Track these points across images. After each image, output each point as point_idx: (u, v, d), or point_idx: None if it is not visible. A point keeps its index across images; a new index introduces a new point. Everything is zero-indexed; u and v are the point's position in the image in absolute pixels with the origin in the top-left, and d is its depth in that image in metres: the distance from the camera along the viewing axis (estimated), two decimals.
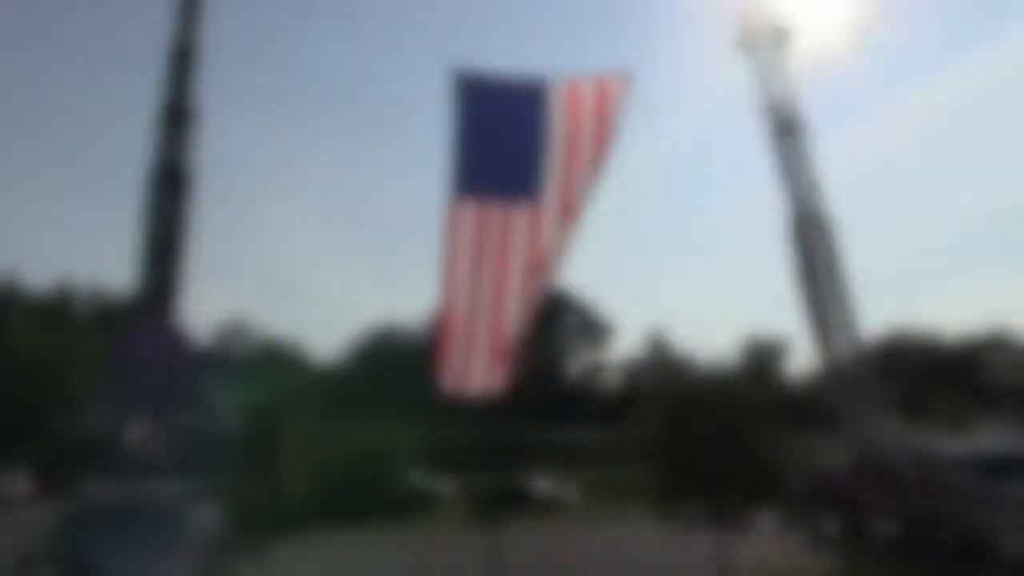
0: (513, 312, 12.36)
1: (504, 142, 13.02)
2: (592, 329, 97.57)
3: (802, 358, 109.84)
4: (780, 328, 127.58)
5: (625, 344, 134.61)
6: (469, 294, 12.24)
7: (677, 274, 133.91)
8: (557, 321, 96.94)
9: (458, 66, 13.07)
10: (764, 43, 28.58)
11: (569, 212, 12.82)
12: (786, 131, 28.28)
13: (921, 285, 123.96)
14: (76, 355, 50.22)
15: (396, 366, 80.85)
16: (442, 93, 12.64)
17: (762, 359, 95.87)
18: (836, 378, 27.81)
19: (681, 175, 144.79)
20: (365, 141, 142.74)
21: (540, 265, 12.60)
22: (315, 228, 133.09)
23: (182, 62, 23.89)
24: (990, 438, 25.68)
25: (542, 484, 45.08)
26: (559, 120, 13.22)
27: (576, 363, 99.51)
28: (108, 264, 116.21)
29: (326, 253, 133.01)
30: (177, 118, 23.93)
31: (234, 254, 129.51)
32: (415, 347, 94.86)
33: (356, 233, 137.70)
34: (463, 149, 12.71)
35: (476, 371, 12.47)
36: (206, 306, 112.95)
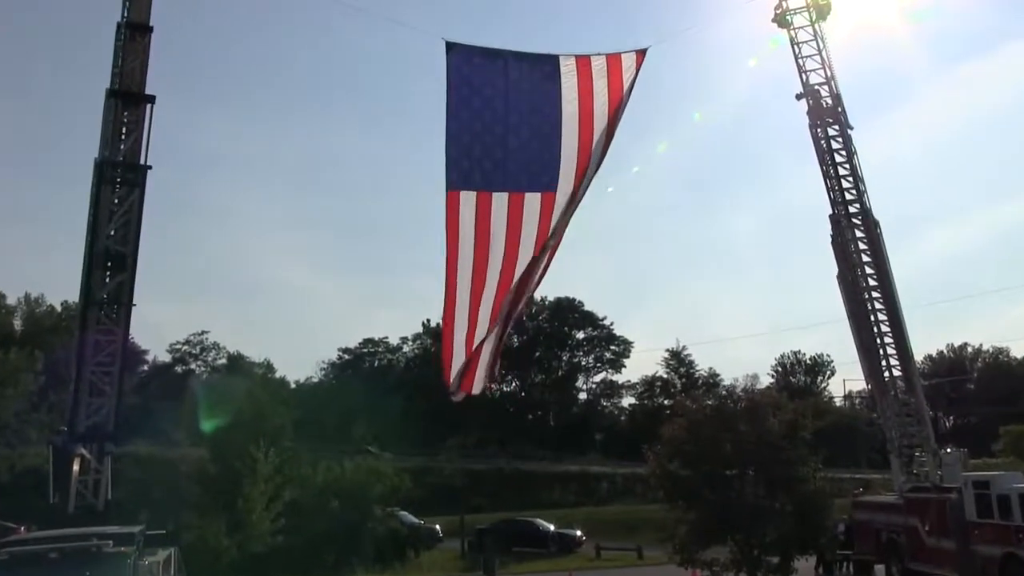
0: (511, 304, 13.21)
1: (507, 125, 13.31)
2: (608, 344, 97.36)
3: (845, 379, 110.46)
4: (818, 344, 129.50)
5: (643, 361, 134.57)
6: (470, 283, 12.75)
7: (701, 282, 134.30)
8: (569, 334, 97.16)
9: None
10: (803, 18, 28.32)
11: (575, 198, 13.57)
12: (828, 118, 27.99)
13: (981, 289, 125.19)
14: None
15: (379, 387, 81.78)
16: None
17: (797, 379, 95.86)
18: (889, 404, 27.47)
19: (705, 168, 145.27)
20: (352, 141, 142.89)
21: (542, 251, 13.34)
22: (290, 237, 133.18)
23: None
24: None
25: (548, 523, 44.51)
26: (569, 101, 13.64)
27: (590, 381, 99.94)
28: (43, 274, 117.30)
29: (302, 264, 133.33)
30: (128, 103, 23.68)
31: (201, 264, 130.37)
32: (400, 366, 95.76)
33: (335, 243, 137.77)
34: (460, 133, 13.04)
35: (479, 368, 13.38)
36: (167, 319, 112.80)
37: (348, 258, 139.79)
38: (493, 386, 14.04)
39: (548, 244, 13.51)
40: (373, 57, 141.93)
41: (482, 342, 13.24)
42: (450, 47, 13.21)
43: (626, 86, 14.08)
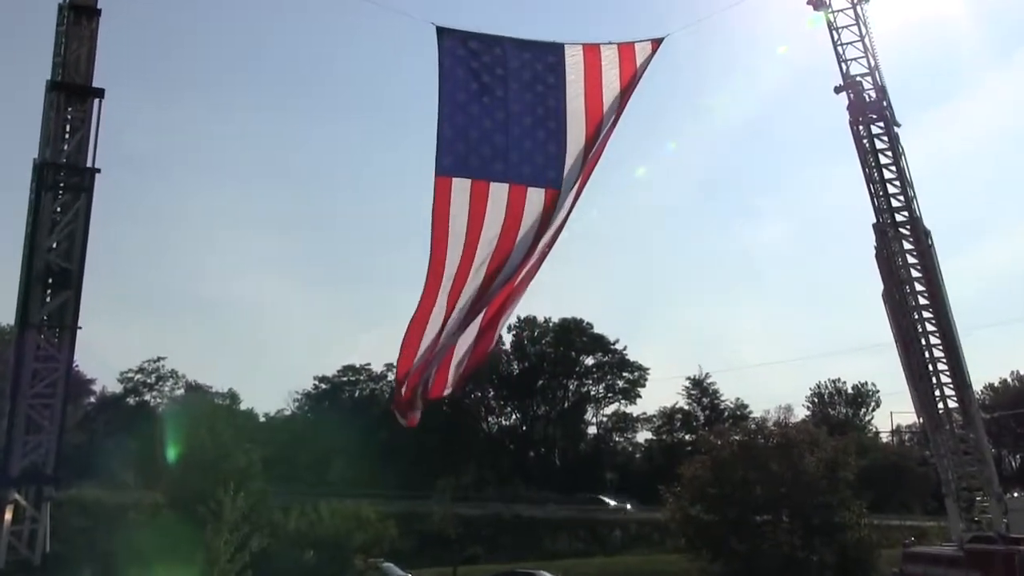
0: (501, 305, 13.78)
1: (508, 112, 13.77)
2: (620, 371, 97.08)
3: (893, 412, 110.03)
4: (861, 371, 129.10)
5: (661, 391, 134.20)
6: (454, 275, 13.18)
7: (726, 301, 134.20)
8: (576, 360, 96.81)
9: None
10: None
11: (576, 198, 14.25)
12: (872, 114, 27.88)
13: None
14: None
15: (361, 421, 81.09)
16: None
17: (837, 411, 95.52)
18: (944, 440, 27.17)
19: (728, 169, 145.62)
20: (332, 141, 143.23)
21: (538, 252, 13.92)
22: (258, 248, 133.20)
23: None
24: None
25: None
26: (576, 95, 14.06)
27: (600, 413, 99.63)
28: None
29: (271, 279, 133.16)
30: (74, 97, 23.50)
31: (157, 280, 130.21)
32: (385, 397, 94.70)
33: (309, 254, 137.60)
34: (454, 114, 13.52)
35: (451, 367, 13.84)
36: (117, 344, 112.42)
37: (325, 272, 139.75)
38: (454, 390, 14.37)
39: (543, 243, 13.98)
40: (353, 44, 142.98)
41: (455, 337, 13.51)
42: (442, 33, 13.52)
43: (639, 79, 14.56)
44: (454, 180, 13.28)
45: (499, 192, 13.48)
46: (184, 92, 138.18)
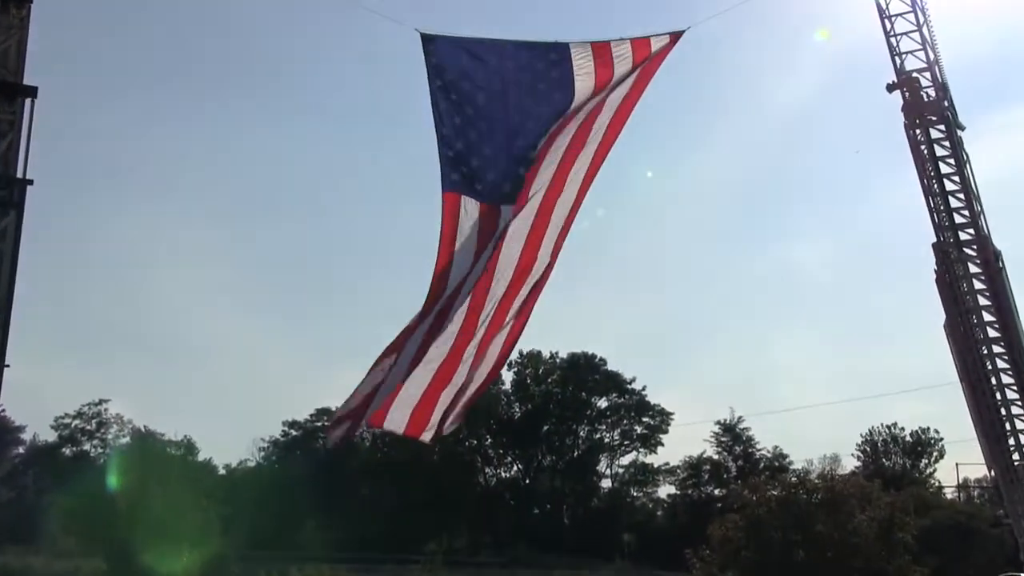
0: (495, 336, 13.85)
1: (508, 127, 14.02)
2: (639, 415, 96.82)
3: (959, 463, 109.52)
4: (920, 415, 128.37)
5: (686, 438, 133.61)
6: (466, 305, 13.18)
7: (759, 332, 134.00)
8: (588, 402, 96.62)
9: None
10: None
11: (576, 208, 14.54)
12: (931, 115, 27.89)
13: None
14: None
15: (338, 472, 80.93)
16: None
17: (892, 462, 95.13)
18: (1020, 497, 26.99)
19: (759, 180, 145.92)
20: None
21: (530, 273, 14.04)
22: (216, 272, 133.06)
23: None
24: None
25: None
26: (584, 100, 14.29)
27: (616, 464, 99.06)
28: None
29: (233, 309, 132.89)
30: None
31: (98, 311, 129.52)
32: (366, 446, 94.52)
33: (276, 279, 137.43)
34: (451, 134, 13.76)
35: (440, 407, 13.56)
36: (51, 385, 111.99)
37: (293, 299, 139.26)
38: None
39: (542, 261, 14.19)
40: (322, 40, 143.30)
41: (462, 379, 13.63)
42: (428, 40, 13.75)
43: (653, 75, 14.97)
44: (464, 199, 13.65)
45: (505, 213, 13.73)
46: (132, 92, 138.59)
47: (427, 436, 13.77)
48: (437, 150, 13.75)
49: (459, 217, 13.63)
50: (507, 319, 14.14)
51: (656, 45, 14.85)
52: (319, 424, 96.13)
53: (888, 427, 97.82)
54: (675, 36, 14.94)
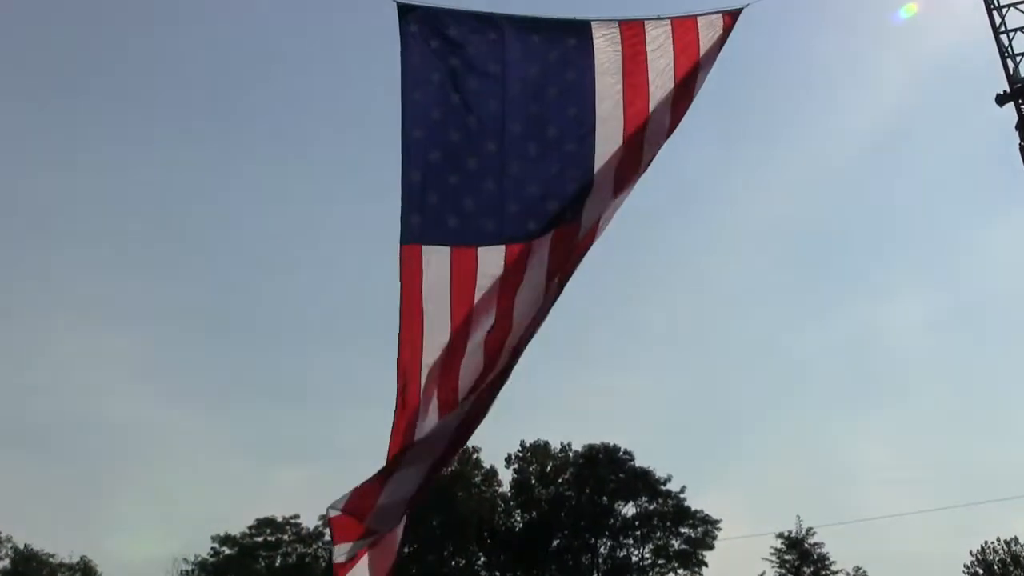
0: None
1: (503, 137, 13.66)
2: (676, 525, 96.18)
3: None
4: None
5: (737, 553, 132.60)
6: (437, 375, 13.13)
7: (829, 419, 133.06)
8: (610, 508, 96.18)
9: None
10: None
11: (595, 234, 14.17)
12: None
13: None
14: None
15: None
16: None
17: None
18: None
19: (825, 219, 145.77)
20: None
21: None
22: (121, 338, 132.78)
23: None
24: None
25: None
26: (608, 96, 14.01)
27: None
28: None
29: (144, 387, 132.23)
30: None
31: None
32: (322, 565, 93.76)
33: (196, 369, 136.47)
34: (427, 148, 13.39)
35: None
36: None
37: (221, 381, 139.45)
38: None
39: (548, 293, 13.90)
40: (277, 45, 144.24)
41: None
42: (406, 11, 13.47)
43: (702, 70, 14.45)
44: (426, 248, 13.23)
45: (492, 257, 13.43)
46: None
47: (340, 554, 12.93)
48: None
49: (422, 271, 13.25)
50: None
51: (705, 25, 14.45)
52: (260, 539, 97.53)
53: (1006, 542, 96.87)
54: (730, 16, 14.53)
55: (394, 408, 12.98)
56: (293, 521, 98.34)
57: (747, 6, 14.44)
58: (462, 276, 13.31)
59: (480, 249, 13.37)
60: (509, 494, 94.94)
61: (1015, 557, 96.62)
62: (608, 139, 13.89)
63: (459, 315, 13.27)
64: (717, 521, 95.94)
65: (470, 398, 13.25)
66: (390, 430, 13.04)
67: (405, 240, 13.10)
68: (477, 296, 13.35)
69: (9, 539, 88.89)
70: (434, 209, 13.28)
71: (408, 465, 12.88)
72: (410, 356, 12.98)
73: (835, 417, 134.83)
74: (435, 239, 13.25)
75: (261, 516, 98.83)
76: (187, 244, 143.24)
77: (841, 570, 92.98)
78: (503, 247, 13.44)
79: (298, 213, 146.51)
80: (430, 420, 13.03)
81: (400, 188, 13.17)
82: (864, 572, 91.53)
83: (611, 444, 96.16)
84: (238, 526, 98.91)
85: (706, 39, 14.41)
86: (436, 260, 13.20)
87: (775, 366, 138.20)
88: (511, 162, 13.60)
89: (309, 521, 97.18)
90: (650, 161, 14.35)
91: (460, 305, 13.31)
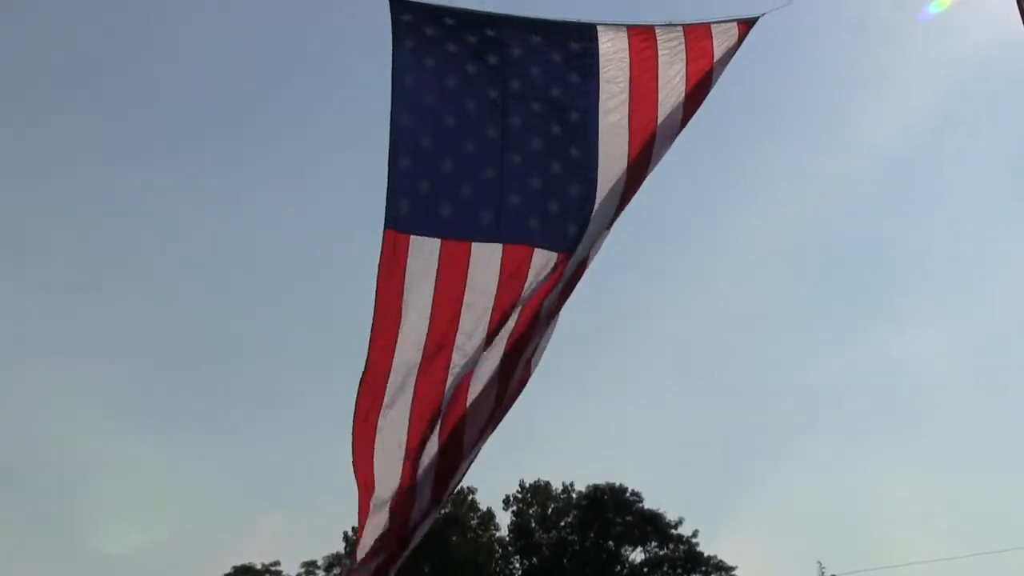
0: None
1: (504, 136, 13.61)
2: (688, 572, 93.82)
3: None
4: None
5: None
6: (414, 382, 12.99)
7: (850, 458, 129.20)
8: (617, 554, 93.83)
9: None
10: None
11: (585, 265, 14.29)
12: None
13: None
14: None
15: None
16: None
17: None
18: None
19: (850, 244, 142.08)
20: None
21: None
22: (87, 387, 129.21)
23: None
24: None
25: None
26: (613, 108, 13.99)
27: None
28: None
29: (112, 423, 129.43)
30: None
31: None
32: None
33: (166, 402, 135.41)
34: (418, 136, 13.31)
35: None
36: None
37: (194, 416, 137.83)
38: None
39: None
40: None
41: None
42: (399, 7, 13.48)
43: (714, 77, 14.58)
44: (414, 239, 13.05)
45: (487, 253, 13.25)
46: None
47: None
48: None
49: (406, 264, 13.00)
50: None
51: (719, 33, 14.45)
52: None
53: None
54: (744, 24, 14.56)
55: (355, 395, 12.81)
56: (272, 569, 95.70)
57: (763, 15, 14.68)
58: (451, 271, 13.26)
59: (475, 245, 13.42)
60: (507, 538, 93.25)
61: None
62: (613, 146, 13.89)
63: (442, 315, 13.13)
64: (732, 568, 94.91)
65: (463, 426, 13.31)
66: (351, 439, 12.77)
67: (390, 226, 13.06)
68: (467, 296, 13.26)
69: None
70: (425, 198, 13.31)
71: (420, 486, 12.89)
72: (382, 349, 12.93)
73: (858, 453, 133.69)
74: (425, 230, 13.25)
75: (239, 563, 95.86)
76: (162, 269, 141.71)
77: None
78: (500, 245, 13.44)
79: (283, 237, 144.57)
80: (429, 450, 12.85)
81: (387, 175, 13.12)
82: None
83: (617, 484, 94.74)
84: (215, 574, 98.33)
85: (720, 47, 14.56)
86: (424, 251, 13.19)
87: (792, 398, 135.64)
88: (510, 155, 13.59)
89: (290, 567, 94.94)
90: (654, 166, 14.56)
91: (444, 303, 13.20)
